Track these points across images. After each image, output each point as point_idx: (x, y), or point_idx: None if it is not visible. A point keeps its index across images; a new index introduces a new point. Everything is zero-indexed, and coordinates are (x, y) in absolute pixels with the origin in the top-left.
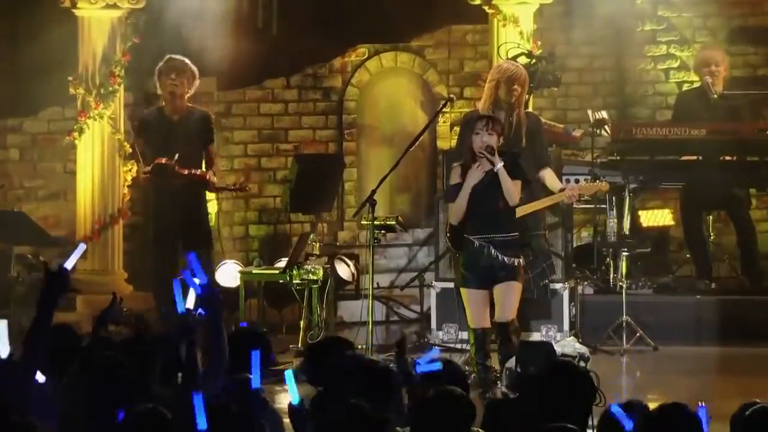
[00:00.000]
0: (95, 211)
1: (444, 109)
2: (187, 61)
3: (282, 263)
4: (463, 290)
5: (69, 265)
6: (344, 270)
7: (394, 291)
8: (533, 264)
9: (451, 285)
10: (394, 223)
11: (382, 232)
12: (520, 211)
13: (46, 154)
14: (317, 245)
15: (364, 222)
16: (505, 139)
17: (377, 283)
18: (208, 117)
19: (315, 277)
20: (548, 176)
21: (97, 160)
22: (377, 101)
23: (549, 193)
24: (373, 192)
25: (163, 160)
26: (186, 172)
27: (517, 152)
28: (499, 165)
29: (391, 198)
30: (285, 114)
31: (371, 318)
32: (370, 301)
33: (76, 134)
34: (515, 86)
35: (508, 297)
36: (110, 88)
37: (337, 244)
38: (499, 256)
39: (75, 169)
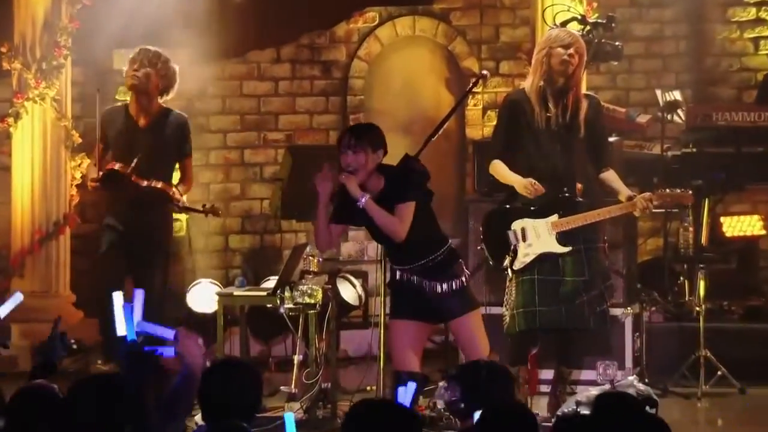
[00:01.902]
0: (35, 217)
1: (475, 89)
2: (161, 53)
3: (271, 283)
4: (392, 323)
5: (1, 314)
6: (349, 292)
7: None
8: (588, 285)
9: (485, 310)
10: None
11: None
12: (572, 222)
13: None
14: (315, 260)
15: None
16: (558, 126)
17: (391, 309)
18: (185, 124)
19: (312, 301)
20: (613, 180)
21: (37, 152)
22: (390, 79)
23: (612, 197)
24: None
25: (116, 166)
26: (144, 183)
27: (412, 161)
28: (363, 200)
29: None
30: (275, 95)
31: (383, 352)
32: (381, 331)
33: (10, 120)
34: (572, 57)
35: (468, 334)
36: (54, 63)
37: (341, 259)
38: (430, 283)
39: (9, 164)
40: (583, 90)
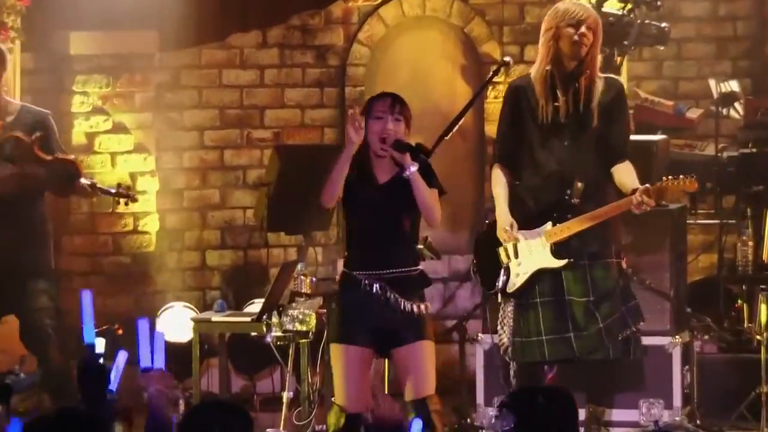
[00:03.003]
0: None
1: (496, 79)
2: None
3: (256, 307)
4: (335, 348)
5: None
6: None
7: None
8: (600, 306)
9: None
10: (421, 247)
11: None
12: (566, 229)
13: None
14: (308, 280)
15: None
16: (567, 117)
17: None
18: (44, 120)
19: (305, 328)
20: (623, 172)
21: None
22: (397, 67)
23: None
24: None
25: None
26: (49, 158)
27: (426, 154)
28: (413, 168)
29: None
30: (260, 85)
31: (386, 387)
32: (386, 362)
33: None
34: (585, 36)
35: (420, 363)
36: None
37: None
38: (397, 299)
39: None
40: (623, 77)
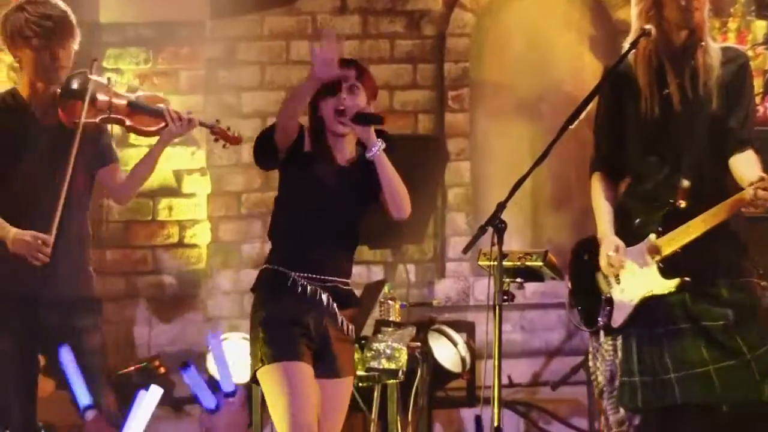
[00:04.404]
0: None
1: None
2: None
3: None
4: (269, 369)
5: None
6: (447, 352)
7: (540, 391)
8: (742, 328)
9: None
10: (540, 264)
11: (518, 281)
12: (674, 240)
13: None
14: (397, 306)
15: (483, 263)
16: (684, 104)
17: (508, 377)
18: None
19: (394, 366)
20: (743, 163)
21: None
22: (509, 37)
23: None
24: (501, 207)
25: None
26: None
27: (384, 135)
28: (378, 145)
29: (536, 219)
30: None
31: None
32: (496, 411)
33: None
34: None
35: (341, 404)
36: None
37: (435, 303)
38: (338, 314)
39: None
40: (746, 47)
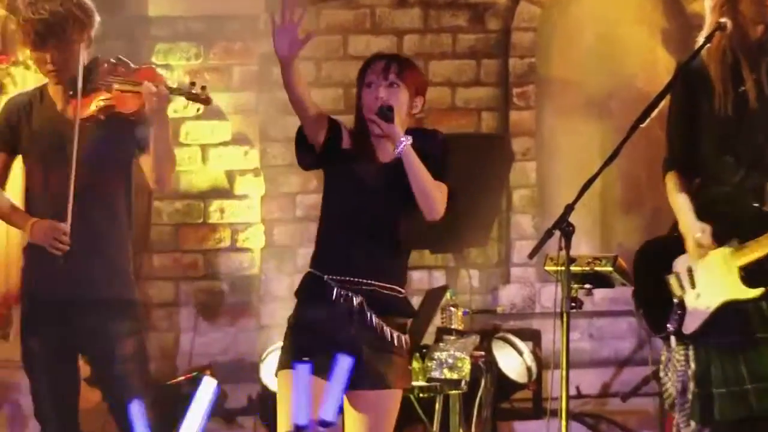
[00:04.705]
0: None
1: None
2: None
3: None
4: (279, 375)
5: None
6: (513, 361)
7: (609, 402)
8: None
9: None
10: (609, 269)
11: (587, 287)
12: (758, 247)
13: None
14: (459, 313)
15: (550, 268)
16: (758, 98)
17: (576, 388)
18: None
19: (456, 376)
20: None
21: None
22: (578, 31)
23: None
24: (569, 209)
25: None
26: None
27: (433, 134)
28: (405, 142)
29: (606, 222)
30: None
31: None
32: (564, 424)
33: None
34: None
35: (378, 417)
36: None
37: (499, 310)
38: (375, 321)
39: None
40: None
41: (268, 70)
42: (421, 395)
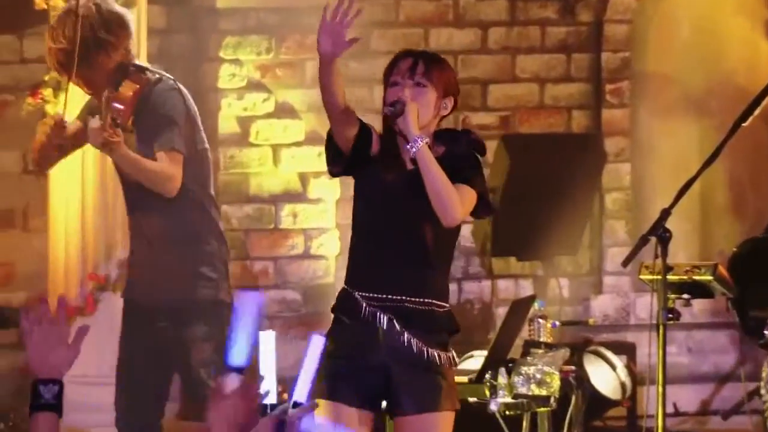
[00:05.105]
0: (89, 252)
1: None
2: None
3: (475, 362)
4: (321, 404)
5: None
6: (606, 377)
7: (710, 421)
8: None
9: None
10: (709, 278)
11: (685, 297)
12: None
13: None
14: (548, 325)
15: (645, 277)
16: None
17: (674, 405)
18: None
19: (544, 392)
20: None
21: (91, 146)
22: (675, 24)
23: None
24: (666, 214)
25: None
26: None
27: (464, 134)
28: (419, 141)
29: (705, 228)
30: (482, 50)
31: None
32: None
33: (46, 93)
34: None
35: None
36: None
37: (591, 322)
38: (414, 343)
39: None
40: None
41: (343, 65)
42: (507, 413)
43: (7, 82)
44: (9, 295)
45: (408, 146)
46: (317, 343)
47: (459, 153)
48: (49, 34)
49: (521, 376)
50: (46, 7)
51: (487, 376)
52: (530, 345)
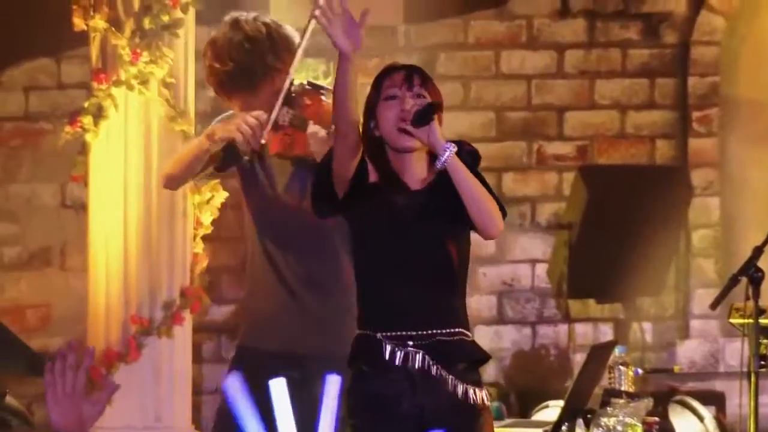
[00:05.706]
0: (131, 293)
1: None
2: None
3: (551, 412)
4: None
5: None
6: (692, 429)
7: None
8: None
9: None
10: None
11: None
12: None
13: (20, 165)
14: (630, 372)
15: (736, 320)
16: None
17: None
18: None
19: None
20: None
21: (134, 179)
22: None
23: None
24: (758, 252)
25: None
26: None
27: (462, 144)
28: (450, 149)
29: None
30: (558, 75)
31: None
32: None
33: (86, 121)
34: None
35: None
36: (165, 18)
37: (676, 369)
38: (449, 381)
39: (86, 200)
40: None
41: None
42: None
43: (44, 109)
44: (46, 339)
45: (441, 158)
46: (334, 383)
47: (465, 162)
48: (212, 52)
49: (601, 428)
50: (85, 28)
51: (564, 428)
52: (610, 394)
